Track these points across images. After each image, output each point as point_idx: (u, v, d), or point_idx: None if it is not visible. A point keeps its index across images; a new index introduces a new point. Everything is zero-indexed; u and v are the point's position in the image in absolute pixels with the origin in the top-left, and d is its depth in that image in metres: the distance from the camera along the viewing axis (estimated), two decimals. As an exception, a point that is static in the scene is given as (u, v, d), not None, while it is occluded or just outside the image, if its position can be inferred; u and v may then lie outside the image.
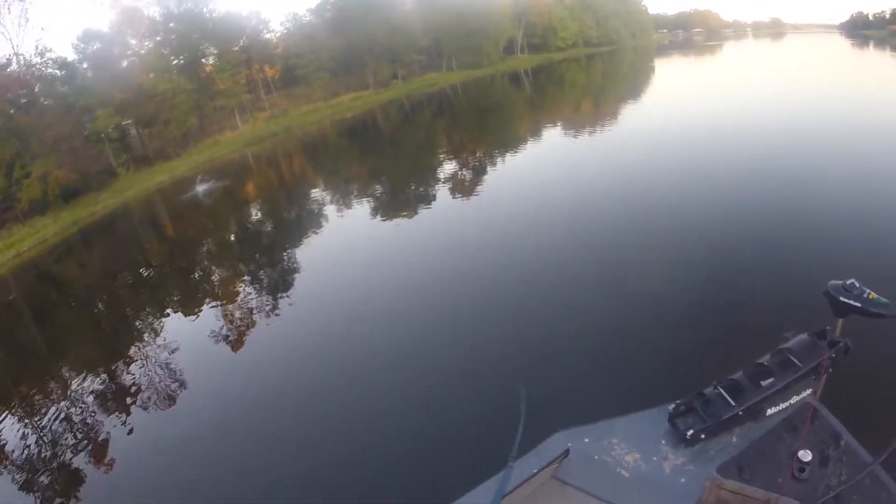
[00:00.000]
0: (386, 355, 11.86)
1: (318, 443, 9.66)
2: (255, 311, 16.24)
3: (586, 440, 5.00)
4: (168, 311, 19.14)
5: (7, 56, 44.30)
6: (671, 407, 5.05)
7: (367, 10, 64.67)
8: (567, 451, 4.88)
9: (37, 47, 46.11)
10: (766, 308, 10.16)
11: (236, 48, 57.77)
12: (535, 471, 4.64)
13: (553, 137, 32.10)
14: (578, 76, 77.37)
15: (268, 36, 64.55)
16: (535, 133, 34.33)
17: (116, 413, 12.27)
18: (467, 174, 27.20)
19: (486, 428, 8.27)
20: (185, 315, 18.00)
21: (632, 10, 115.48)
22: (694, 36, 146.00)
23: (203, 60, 55.97)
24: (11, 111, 41.42)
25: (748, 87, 43.09)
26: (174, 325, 17.34)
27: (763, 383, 4.84)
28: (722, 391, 4.96)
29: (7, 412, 14.13)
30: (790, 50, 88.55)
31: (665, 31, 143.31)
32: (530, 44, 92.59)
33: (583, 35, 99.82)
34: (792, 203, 16.36)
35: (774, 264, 12.39)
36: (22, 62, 45.10)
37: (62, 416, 12.95)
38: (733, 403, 4.83)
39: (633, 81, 63.08)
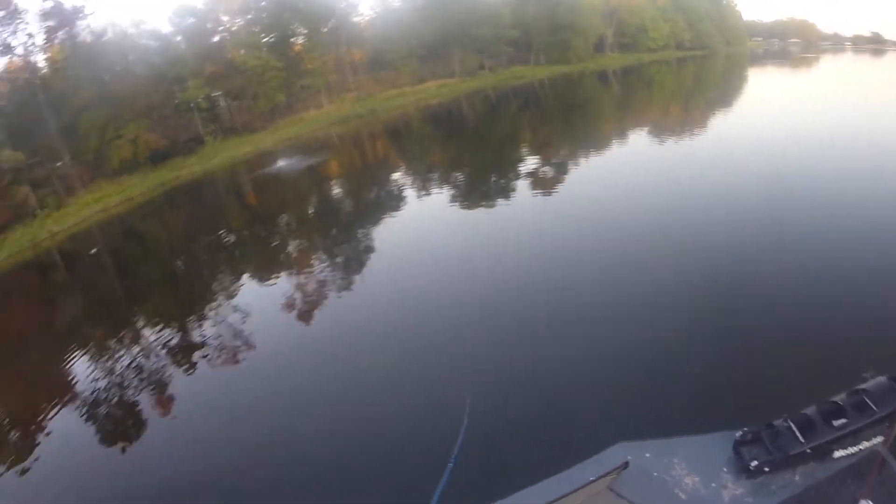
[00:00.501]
0: (448, 345, 11.28)
1: (368, 420, 9.33)
2: (325, 286, 15.99)
3: (647, 455, 4.90)
4: (243, 276, 19.35)
5: (103, 25, 45.09)
6: (738, 434, 4.92)
7: (458, -2, 63.83)
8: (626, 464, 4.79)
9: (132, 19, 47.16)
10: (846, 343, 9.24)
11: (325, 29, 57.57)
12: (591, 479, 4.54)
13: (638, 141, 29.75)
14: (668, 79, 74.07)
15: (356, 19, 64.38)
16: (621, 135, 32.09)
17: (182, 366, 12.66)
18: (548, 171, 25.51)
19: (550, 429, 7.99)
20: (259, 282, 18.17)
21: (726, 15, 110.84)
22: (789, 46, 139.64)
23: (292, 40, 55.93)
24: (106, 77, 42.35)
25: (845, 104, 39.22)
26: (247, 290, 17.61)
27: (835, 423, 4.68)
28: (792, 425, 4.82)
29: (83, 352, 14.96)
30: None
31: (759, 39, 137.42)
32: (620, 43, 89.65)
33: (674, 37, 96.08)
34: (889, 233, 14.31)
35: (862, 298, 10.94)
36: (118, 32, 45.85)
37: (131, 362, 13.54)
38: (802, 440, 4.69)
39: (724, 89, 59.43)
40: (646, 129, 32.71)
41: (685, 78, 75.42)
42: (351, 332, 12.76)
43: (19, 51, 41.10)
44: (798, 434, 4.70)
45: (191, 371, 12.62)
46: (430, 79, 63.79)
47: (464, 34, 64.46)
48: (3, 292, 27.83)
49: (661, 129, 31.21)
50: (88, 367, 14.07)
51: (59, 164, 39.26)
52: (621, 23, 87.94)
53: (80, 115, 40.52)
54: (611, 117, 42.98)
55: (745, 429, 4.91)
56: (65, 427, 11.43)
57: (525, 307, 12.26)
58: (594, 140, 31.19)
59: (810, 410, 4.86)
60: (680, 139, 28.21)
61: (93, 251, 28.84)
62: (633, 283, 12.56)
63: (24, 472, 10.19)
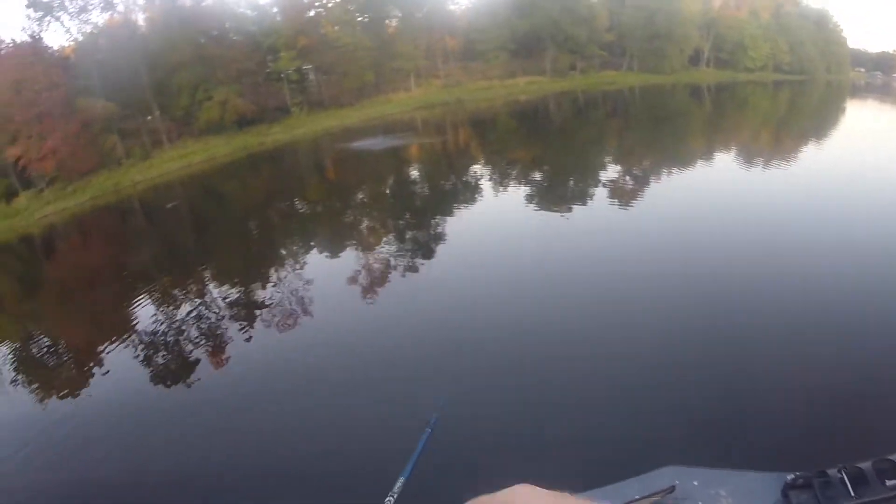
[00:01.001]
0: (510, 350, 10.10)
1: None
2: (390, 266, 15.46)
3: (695, 483, 4.66)
4: (312, 244, 19.40)
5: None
6: (789, 477, 4.59)
7: (555, -5, 62.55)
8: (673, 488, 4.60)
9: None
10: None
11: (420, 14, 56.82)
12: (636, 497, 4.42)
13: (725, 163, 27.24)
14: (762, 103, 70.50)
15: (452, 7, 63.93)
16: (707, 155, 29.80)
17: (241, 322, 12.60)
18: (629, 182, 23.77)
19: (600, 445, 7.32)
20: (327, 253, 18.08)
21: (830, 41, 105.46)
22: (894, 81, 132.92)
23: (387, 21, 55.69)
24: (202, 40, 43.09)
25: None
26: (314, 258, 17.70)
27: (888, 483, 4.33)
28: (845, 477, 4.42)
29: (148, 296, 15.43)
30: None
31: (862, 69, 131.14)
32: (717, 58, 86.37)
33: (774, 58, 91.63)
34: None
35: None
36: (218, -2, 46.59)
37: (194, 312, 13.63)
38: (853, 495, 4.32)
39: (819, 120, 55.75)
40: (733, 152, 30.48)
41: (780, 103, 71.70)
42: (404, 311, 12.29)
43: (120, 8, 42.52)
44: (850, 487, 4.40)
45: (244, 328, 12.49)
46: (520, 74, 62.56)
47: (558, 32, 63.05)
48: (83, 231, 28.13)
49: (749, 155, 28.85)
50: (150, 311, 14.29)
51: (148, 118, 39.85)
52: (719, 37, 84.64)
53: (174, 74, 41.25)
54: (699, 135, 40.79)
55: (797, 473, 4.62)
56: (119, 363, 11.50)
57: (586, 319, 11.11)
58: (679, 157, 29.18)
59: (866, 465, 4.55)
60: (763, 167, 25.79)
61: (170, 205, 28.97)
62: (701, 315, 11.12)
63: (76, 403, 10.30)
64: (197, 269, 18.10)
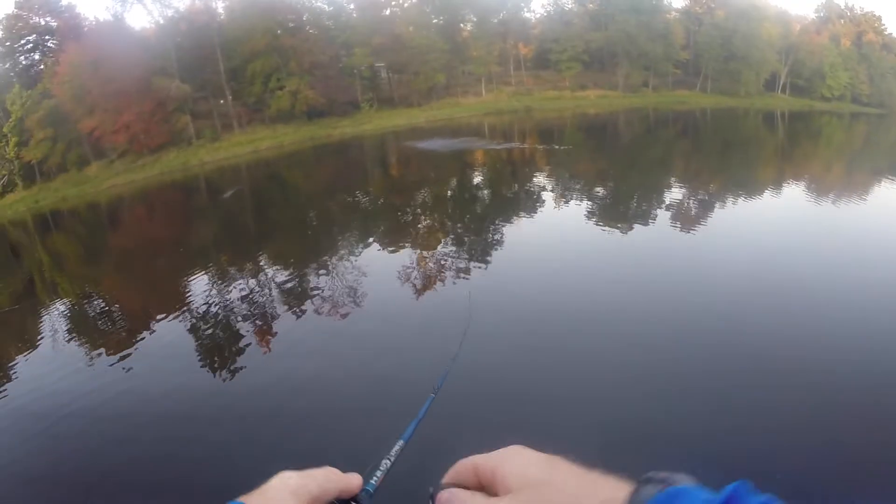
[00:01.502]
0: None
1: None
2: (444, 266, 14.73)
3: None
4: (370, 238, 18.76)
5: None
6: None
7: (632, 9, 61.21)
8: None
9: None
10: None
11: (495, 20, 56.69)
12: None
13: (794, 195, 25.52)
14: (837, 134, 67.30)
15: (527, 15, 63.06)
16: (776, 185, 28.03)
17: (292, 308, 12.36)
18: (693, 206, 22.27)
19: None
20: (383, 247, 17.50)
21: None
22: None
23: (461, 25, 55.45)
24: (279, 31, 43.65)
25: None
26: (370, 252, 17.04)
27: None
28: None
29: (205, 274, 15.49)
30: None
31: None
32: (793, 84, 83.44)
33: (852, 88, 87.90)
34: None
35: None
36: (297, -9, 47.09)
37: (247, 292, 13.61)
38: None
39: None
40: (803, 185, 28.71)
41: (856, 136, 68.41)
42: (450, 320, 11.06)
43: None
44: None
45: (295, 313, 12.11)
46: (592, 87, 61.58)
47: (633, 47, 61.77)
48: (149, 204, 28.25)
49: (819, 189, 27.04)
50: (205, 286, 14.29)
51: (221, 102, 40.29)
52: (798, 63, 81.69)
53: (249, 62, 41.90)
54: (769, 165, 39.02)
55: None
56: (171, 333, 11.42)
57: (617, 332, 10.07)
58: (746, 186, 27.67)
59: None
60: (832, 202, 23.95)
61: (228, 193, 28.81)
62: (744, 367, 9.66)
63: (127, 368, 10.06)
64: (253, 251, 18.08)
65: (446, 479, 0.73)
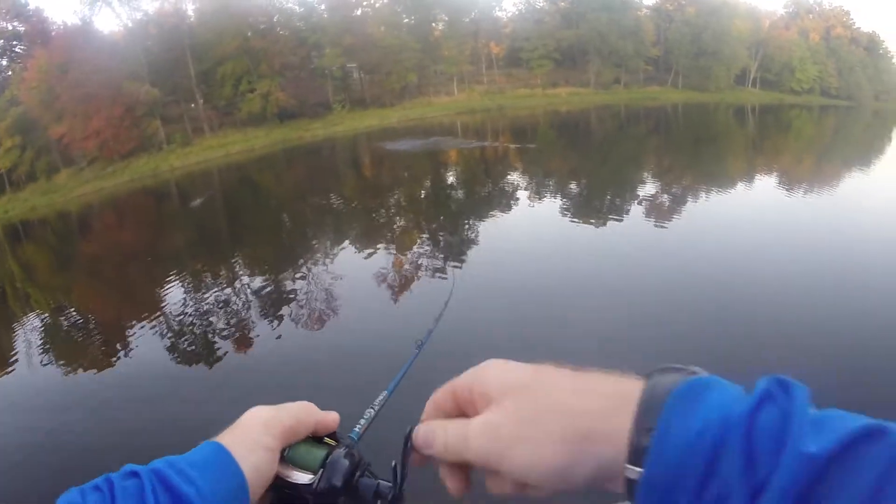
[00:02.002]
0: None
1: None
2: (420, 267, 14.89)
3: None
4: (344, 241, 18.69)
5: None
6: None
7: (603, 7, 61.71)
8: None
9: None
10: None
11: (466, 19, 56.94)
12: None
13: (764, 188, 25.94)
14: (807, 127, 68.27)
15: (499, 14, 63.61)
16: (747, 178, 28.55)
17: (268, 315, 12.30)
18: (665, 201, 22.77)
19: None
20: (357, 250, 17.35)
21: (881, 68, 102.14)
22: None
23: (433, 24, 55.52)
24: (249, 33, 43.78)
25: None
26: (345, 255, 16.95)
27: None
28: None
29: (179, 282, 15.33)
30: None
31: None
32: (763, 78, 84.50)
33: (821, 82, 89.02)
34: None
35: None
36: (266, -8, 47.06)
37: (222, 300, 13.54)
38: None
39: (864, 148, 53.89)
40: (774, 177, 29.32)
41: (825, 128, 69.46)
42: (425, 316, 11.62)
43: None
44: None
45: (270, 318, 12.19)
46: (563, 85, 62.09)
47: (604, 44, 62.35)
48: (119, 211, 28.33)
49: (790, 182, 27.62)
50: (178, 293, 14.28)
51: (192, 105, 40.27)
52: (767, 58, 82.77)
53: (219, 65, 41.94)
54: (740, 158, 39.71)
55: None
56: (144, 342, 11.42)
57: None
58: (717, 178, 28.24)
59: None
60: (804, 193, 24.49)
61: (196, 202, 28.86)
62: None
63: (101, 378, 10.18)
64: (226, 256, 18.14)
65: (425, 414, 0.69)
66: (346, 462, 0.74)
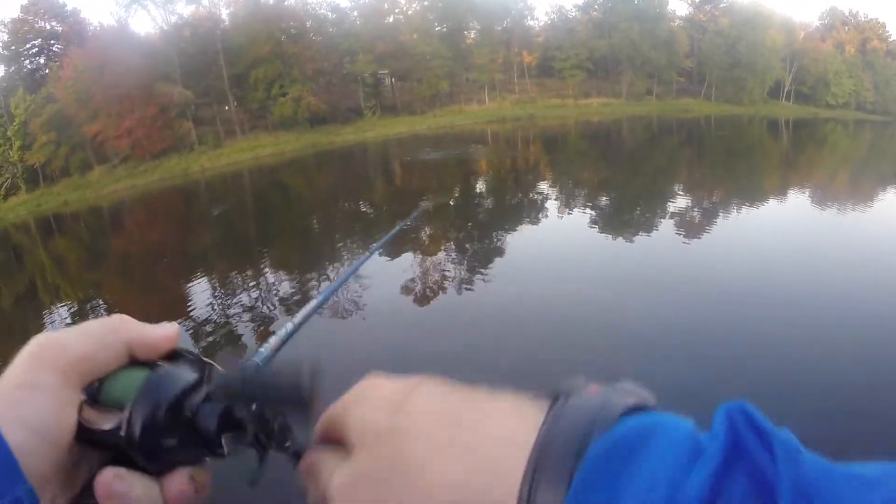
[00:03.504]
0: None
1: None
2: (447, 277, 14.36)
3: None
4: (372, 245, 17.92)
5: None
6: None
7: (636, 17, 61.21)
8: None
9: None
10: None
11: (498, 28, 56.75)
12: None
13: (798, 204, 25.06)
14: (842, 142, 66.75)
15: (531, 23, 62.99)
16: (781, 193, 27.69)
17: (291, 314, 10.92)
18: (696, 216, 22.08)
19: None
20: (386, 256, 16.50)
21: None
22: None
23: (465, 32, 55.41)
24: (283, 38, 43.84)
25: None
26: (372, 261, 16.11)
27: None
28: None
29: (204, 277, 15.46)
30: None
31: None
32: (797, 91, 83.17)
33: (856, 96, 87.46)
34: None
35: None
36: (299, -2, 47.48)
37: (246, 298, 13.55)
38: None
39: None
40: (806, 192, 28.48)
41: (861, 143, 67.92)
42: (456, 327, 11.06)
43: (205, 1, 43.88)
44: None
45: (293, 314, 11.80)
46: (595, 95, 61.59)
47: (637, 55, 61.79)
48: (150, 209, 28.38)
49: (821, 196, 26.73)
50: (204, 292, 14.22)
51: (225, 108, 40.50)
52: (802, 70, 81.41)
53: (252, 69, 42.14)
54: (774, 173, 38.81)
55: None
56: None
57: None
58: (750, 193, 27.43)
59: None
60: (837, 210, 23.60)
61: (217, 211, 28.78)
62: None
63: None
64: (252, 256, 18.11)
65: (318, 430, 0.51)
66: (173, 379, 0.50)
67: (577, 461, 0.33)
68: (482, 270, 14.38)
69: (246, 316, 12.44)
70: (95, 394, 0.49)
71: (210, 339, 11.41)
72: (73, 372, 0.47)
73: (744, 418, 0.33)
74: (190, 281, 15.04)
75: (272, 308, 13.05)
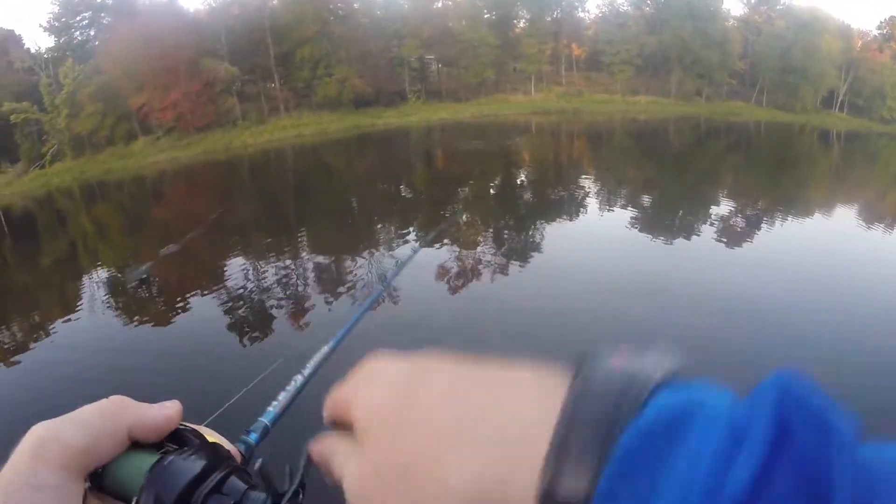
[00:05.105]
0: None
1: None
2: (482, 264, 14.39)
3: None
4: (409, 229, 18.45)
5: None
6: None
7: (689, 15, 59.66)
8: None
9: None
10: None
11: (548, 18, 55.95)
12: None
13: (846, 220, 23.85)
14: (894, 159, 65.02)
15: (581, 15, 62.05)
16: (828, 206, 26.47)
17: (325, 293, 12.31)
18: (740, 223, 20.99)
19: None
20: (418, 239, 16.94)
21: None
22: None
23: (514, 21, 54.76)
24: (330, 18, 43.84)
25: None
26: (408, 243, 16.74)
27: None
28: None
29: (243, 253, 15.68)
30: None
31: None
32: (851, 103, 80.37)
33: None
34: None
35: None
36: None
37: (283, 273, 13.73)
38: None
39: None
40: (854, 207, 27.12)
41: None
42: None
43: None
44: None
45: (329, 300, 12.02)
46: (643, 92, 60.30)
47: (687, 53, 60.27)
48: (190, 181, 28.35)
49: (869, 213, 25.41)
50: (241, 265, 14.48)
51: (270, 85, 40.53)
52: (857, 81, 78.61)
53: (298, 48, 42.08)
54: (821, 184, 37.35)
55: None
56: (204, 308, 11.62)
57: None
58: (797, 204, 26.20)
59: None
60: (885, 229, 22.37)
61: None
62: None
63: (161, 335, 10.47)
64: (291, 232, 18.20)
65: (326, 414, 0.49)
66: (178, 470, 0.48)
67: (603, 450, 0.30)
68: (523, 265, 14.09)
69: (278, 287, 12.59)
70: (99, 480, 0.49)
71: (241, 312, 11.52)
72: (75, 467, 0.46)
73: (793, 395, 0.29)
74: (227, 252, 15.28)
75: (305, 285, 13.04)
